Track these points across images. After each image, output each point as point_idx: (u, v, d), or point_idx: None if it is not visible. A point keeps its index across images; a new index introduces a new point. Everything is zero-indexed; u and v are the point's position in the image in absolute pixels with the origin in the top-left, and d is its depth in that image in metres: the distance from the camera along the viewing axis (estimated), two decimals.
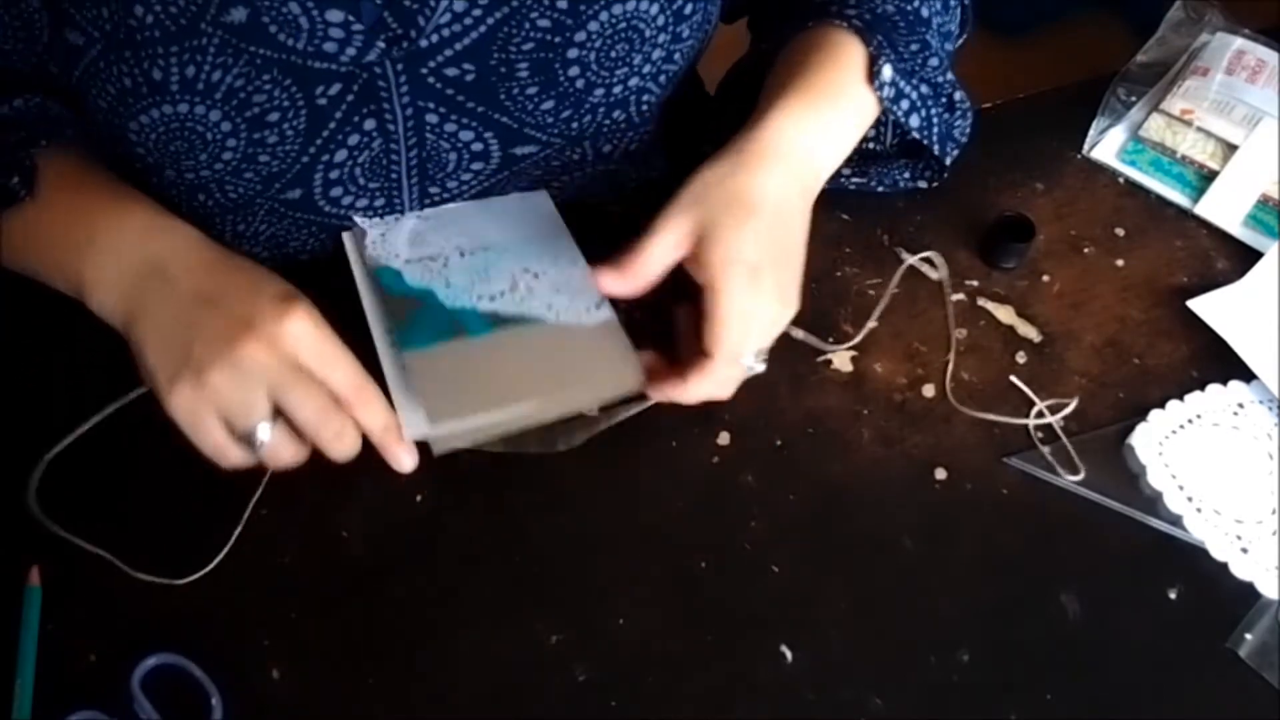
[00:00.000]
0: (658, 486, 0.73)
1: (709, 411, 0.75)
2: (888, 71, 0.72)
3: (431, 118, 0.71)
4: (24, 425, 0.73)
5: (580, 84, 0.71)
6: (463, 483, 0.72)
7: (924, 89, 0.75)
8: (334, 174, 0.73)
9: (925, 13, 0.77)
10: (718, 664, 0.67)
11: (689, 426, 0.75)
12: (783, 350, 0.78)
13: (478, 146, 0.74)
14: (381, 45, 0.66)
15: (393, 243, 0.75)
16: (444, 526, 0.71)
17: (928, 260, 0.82)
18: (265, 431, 0.62)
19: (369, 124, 0.70)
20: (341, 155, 0.72)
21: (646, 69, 0.73)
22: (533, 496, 0.72)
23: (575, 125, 0.74)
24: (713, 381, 0.68)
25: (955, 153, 0.80)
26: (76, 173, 0.69)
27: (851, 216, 0.85)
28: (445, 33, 0.66)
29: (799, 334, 0.79)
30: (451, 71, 0.69)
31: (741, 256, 0.66)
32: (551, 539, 0.71)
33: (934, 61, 0.76)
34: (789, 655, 0.68)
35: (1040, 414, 0.76)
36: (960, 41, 0.84)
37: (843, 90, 0.72)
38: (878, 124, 0.78)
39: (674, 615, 0.69)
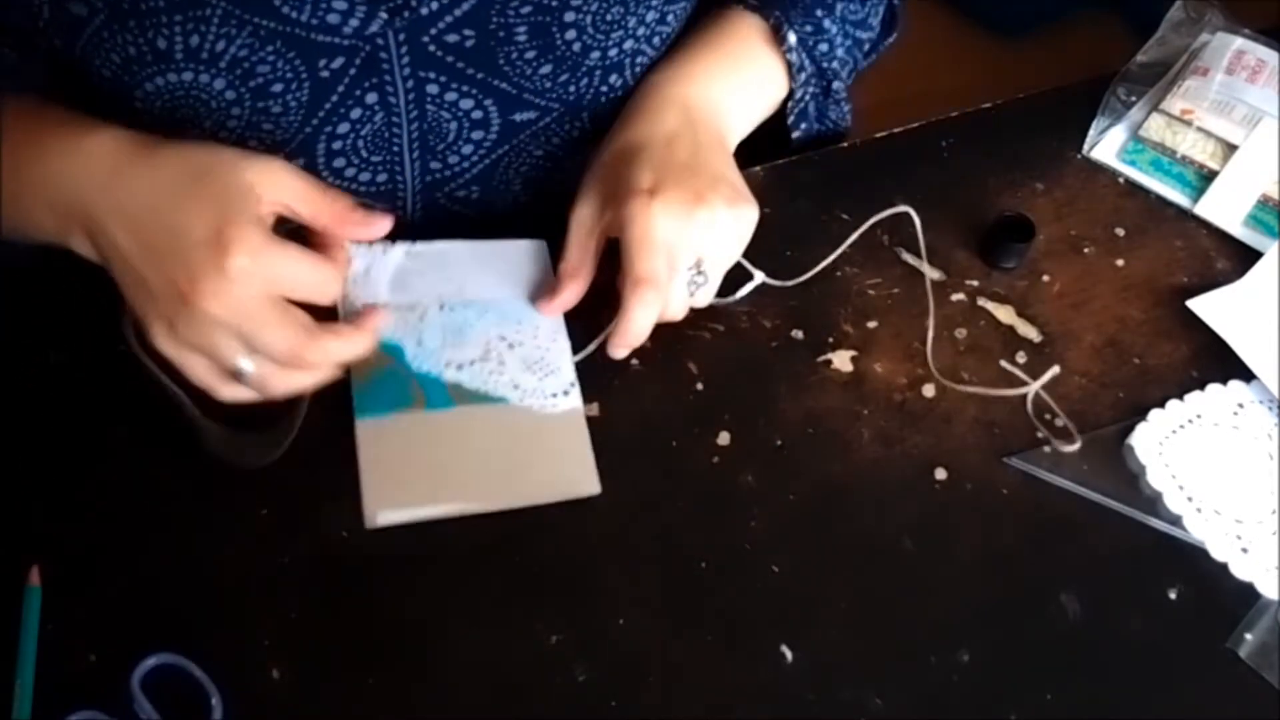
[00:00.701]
0: (657, 486, 0.73)
1: (709, 411, 0.75)
2: (793, 37, 0.78)
3: (432, 88, 0.72)
4: (23, 424, 0.73)
5: (577, 47, 0.72)
6: None
7: (811, 68, 0.80)
8: (336, 145, 0.73)
9: None
10: (718, 664, 0.67)
11: (689, 426, 0.75)
12: (783, 350, 0.78)
13: (478, 114, 0.75)
14: (384, 16, 0.67)
15: (375, 281, 0.73)
16: (443, 526, 0.71)
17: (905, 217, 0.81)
18: (248, 365, 0.61)
19: (371, 97, 0.71)
20: (344, 128, 0.72)
21: (641, 31, 0.74)
22: None
23: (573, 89, 0.75)
24: (649, 308, 0.69)
25: (810, 132, 0.83)
26: (21, 110, 0.66)
27: (851, 216, 0.85)
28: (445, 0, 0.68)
29: (800, 336, 0.79)
30: (452, 38, 0.69)
31: (637, 186, 0.68)
32: (551, 539, 0.71)
33: (823, 47, 0.80)
34: (789, 655, 0.68)
35: (1032, 394, 0.76)
36: (887, 42, 0.89)
37: (737, 50, 0.77)
38: None
39: (674, 615, 0.69)
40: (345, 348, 0.64)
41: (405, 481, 0.68)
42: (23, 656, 0.64)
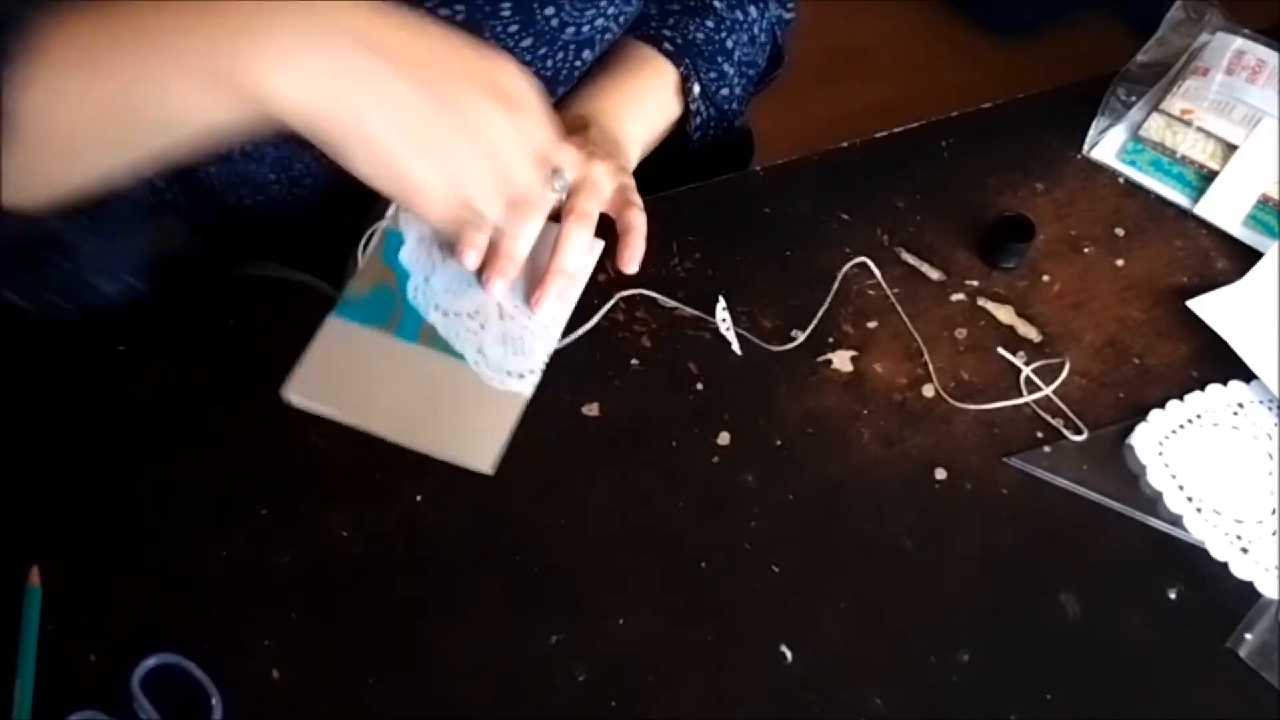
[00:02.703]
0: (658, 486, 0.73)
1: (709, 411, 0.75)
2: (697, 89, 0.87)
3: None
4: (23, 425, 0.73)
5: (555, 22, 0.78)
6: (462, 482, 0.72)
7: (712, 110, 0.89)
8: None
9: (730, 45, 0.89)
10: (718, 664, 0.67)
11: (689, 426, 0.75)
12: (783, 350, 0.78)
13: None
14: None
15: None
16: (444, 526, 0.71)
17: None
18: (493, 203, 0.62)
19: None
20: None
21: (611, 10, 0.80)
22: (532, 496, 0.72)
23: (550, 63, 0.81)
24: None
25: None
26: None
27: (851, 216, 0.85)
28: None
29: (800, 336, 0.79)
30: (444, 12, 0.73)
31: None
32: (551, 539, 0.71)
33: (725, 91, 0.89)
34: (789, 655, 0.68)
35: (1031, 381, 0.76)
36: (773, 78, 0.97)
37: (656, 100, 0.86)
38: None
39: (674, 615, 0.69)
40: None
41: (333, 382, 0.70)
42: (23, 656, 0.64)
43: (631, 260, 0.77)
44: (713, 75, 0.88)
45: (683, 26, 0.88)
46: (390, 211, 0.76)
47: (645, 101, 0.86)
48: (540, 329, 0.74)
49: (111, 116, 0.53)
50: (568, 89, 0.85)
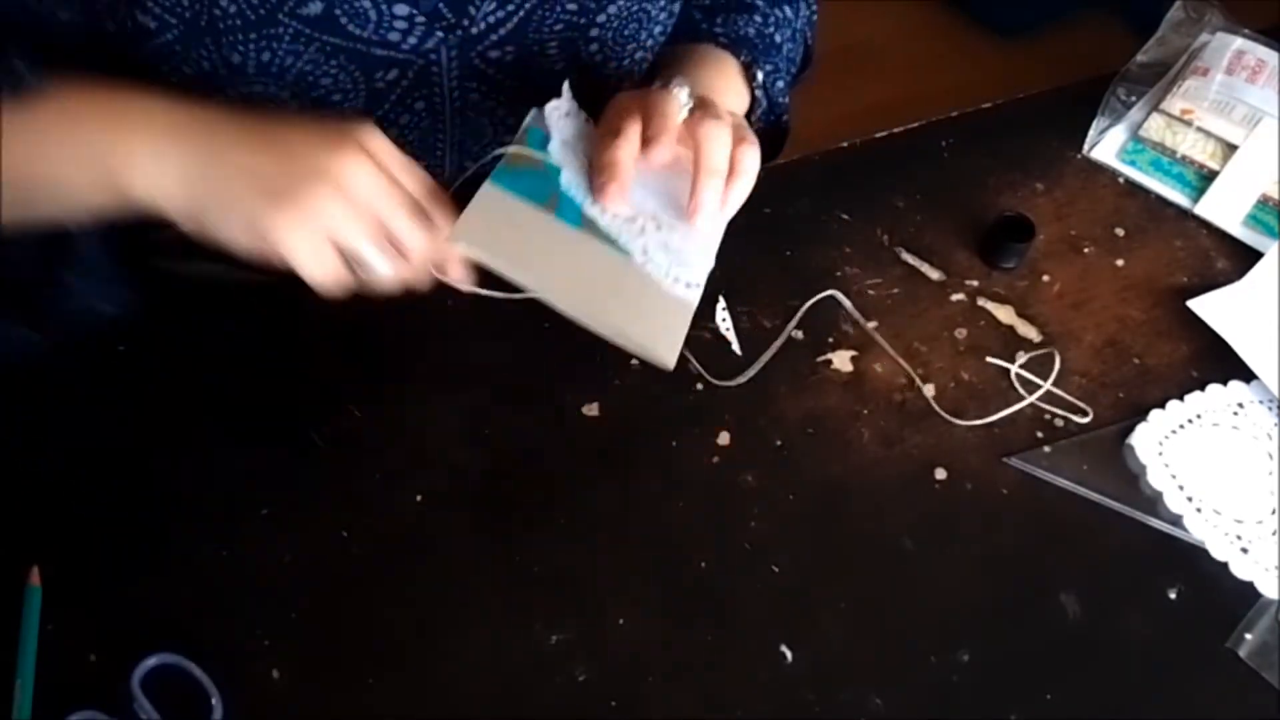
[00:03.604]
0: (658, 486, 0.73)
1: (709, 411, 0.75)
2: (760, 75, 0.83)
3: (474, 96, 0.77)
4: (23, 425, 0.73)
5: (599, 58, 0.78)
6: (463, 483, 0.72)
7: (766, 103, 0.85)
8: None
9: (779, 39, 0.87)
10: (718, 664, 0.67)
11: (689, 426, 0.75)
12: (783, 350, 0.78)
13: (510, 120, 0.79)
14: (440, 34, 0.72)
15: (568, 126, 0.72)
16: (444, 526, 0.71)
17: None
18: (374, 256, 0.62)
19: (419, 105, 0.76)
20: (393, 133, 0.75)
21: (650, 43, 0.81)
22: (532, 496, 0.72)
23: (588, 93, 0.79)
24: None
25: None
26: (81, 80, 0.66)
27: (851, 217, 0.85)
28: (491, 19, 0.73)
29: (799, 334, 0.79)
30: (495, 54, 0.75)
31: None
32: (551, 539, 0.71)
33: (779, 84, 0.86)
34: (789, 655, 0.68)
35: (1027, 380, 0.76)
36: (804, 76, 0.94)
37: (723, 75, 0.81)
38: None
39: (674, 615, 0.69)
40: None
41: (503, 237, 0.65)
42: (23, 656, 0.64)
43: (729, 200, 0.70)
44: (769, 68, 0.86)
45: (731, 24, 0.86)
46: (534, 112, 0.71)
47: (727, 87, 0.82)
48: (696, 244, 0.69)
49: (18, 186, 0.64)
50: None
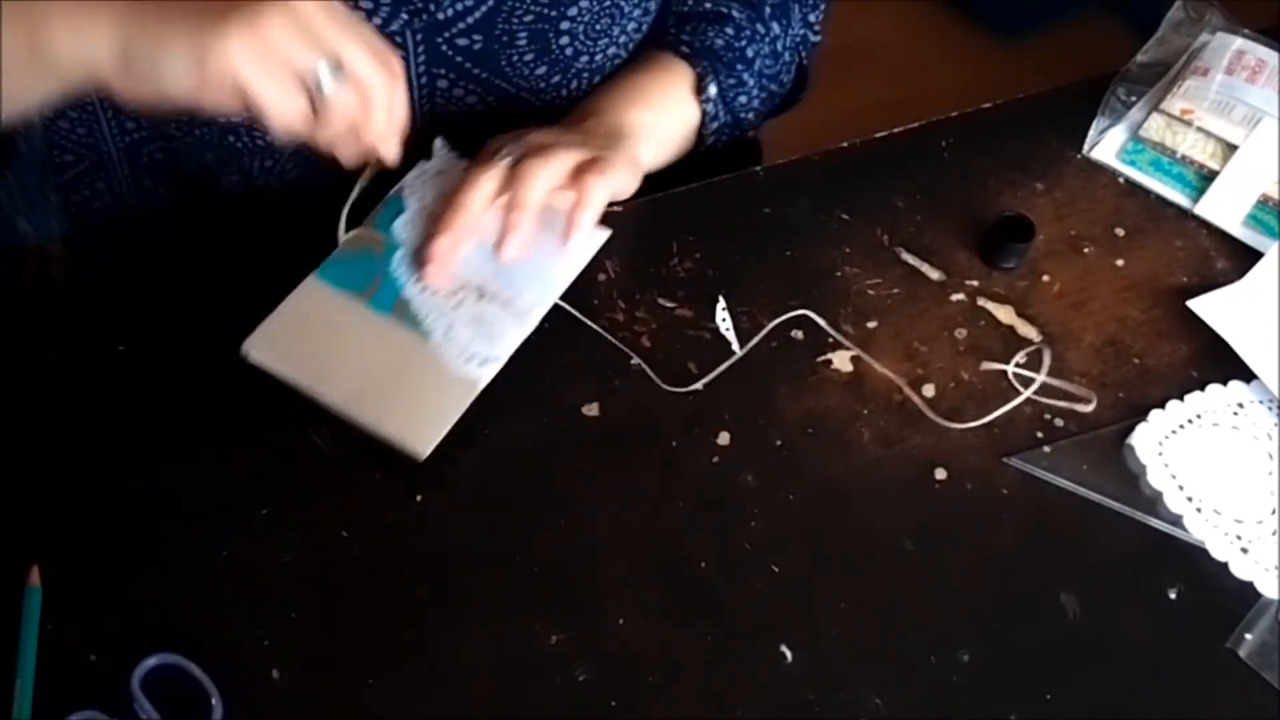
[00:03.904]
0: (657, 486, 0.73)
1: (709, 411, 0.75)
2: (713, 89, 0.84)
3: (442, 83, 0.77)
4: (23, 425, 0.73)
5: (569, 51, 0.79)
6: (462, 482, 0.72)
7: (728, 117, 0.87)
8: None
9: (750, 53, 0.87)
10: (718, 664, 0.67)
11: (689, 426, 0.75)
12: (783, 350, 0.78)
13: (480, 109, 0.80)
14: (405, 17, 0.72)
15: (435, 184, 0.77)
16: (444, 526, 0.71)
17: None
18: (327, 75, 0.59)
19: None
20: None
21: (623, 39, 0.81)
22: (532, 496, 0.72)
23: (564, 92, 0.82)
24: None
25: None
26: None
27: (851, 217, 0.85)
28: (459, 6, 0.73)
29: (799, 336, 0.79)
30: (463, 41, 0.75)
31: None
32: (551, 539, 0.71)
33: (742, 99, 0.87)
34: (789, 655, 0.68)
35: (1019, 364, 0.76)
36: (798, 99, 0.95)
37: (666, 94, 0.83)
38: None
39: (674, 615, 0.69)
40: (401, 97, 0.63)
41: (294, 344, 0.71)
42: (23, 656, 0.64)
43: (574, 228, 0.73)
44: (731, 81, 0.86)
45: (700, 33, 0.87)
46: (400, 183, 0.76)
47: (653, 94, 0.84)
48: (514, 316, 0.73)
49: None
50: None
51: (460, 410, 0.71)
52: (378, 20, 0.72)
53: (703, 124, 0.87)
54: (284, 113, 0.60)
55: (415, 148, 0.80)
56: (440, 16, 0.73)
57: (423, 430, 0.69)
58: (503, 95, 0.80)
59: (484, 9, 0.74)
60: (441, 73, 0.77)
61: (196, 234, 0.85)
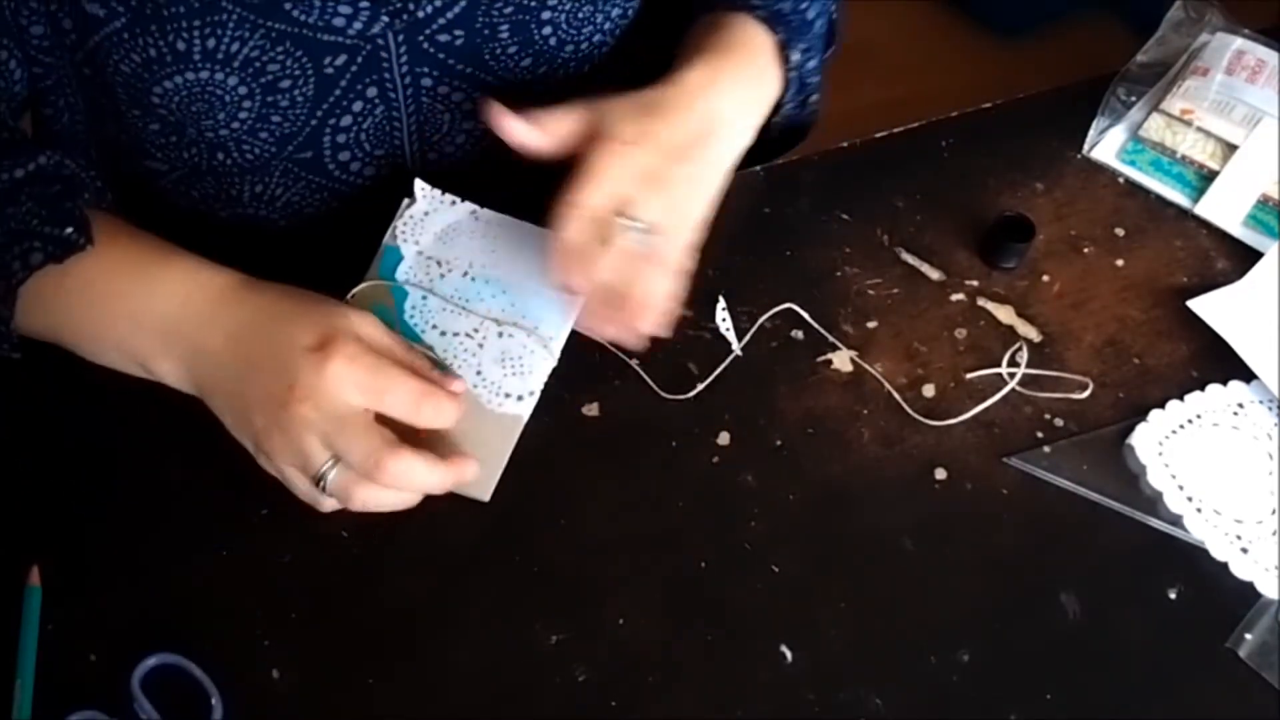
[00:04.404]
0: (658, 486, 0.73)
1: (709, 411, 0.75)
2: (796, 56, 0.79)
3: (426, 81, 0.77)
4: (23, 425, 0.73)
5: (553, 42, 0.78)
6: None
7: (797, 93, 0.82)
8: (341, 138, 0.78)
9: (810, 15, 0.82)
10: (718, 664, 0.67)
11: (689, 426, 0.75)
12: (783, 350, 0.78)
13: (468, 107, 0.80)
14: (385, 19, 0.72)
15: (427, 227, 0.75)
16: (444, 526, 0.71)
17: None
18: (331, 472, 0.62)
19: (371, 91, 0.76)
20: (347, 120, 0.77)
21: (607, 25, 0.80)
22: (532, 496, 0.72)
23: (552, 81, 0.81)
24: (573, 227, 0.67)
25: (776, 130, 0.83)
26: (114, 232, 0.69)
27: (852, 216, 0.85)
28: (438, 2, 0.72)
29: (800, 336, 0.79)
30: (444, 38, 0.74)
31: (619, 132, 0.68)
32: (551, 539, 0.71)
33: (811, 64, 0.82)
34: (789, 655, 0.68)
35: (1013, 360, 0.76)
36: (828, 55, 0.89)
37: (753, 62, 0.76)
38: None
39: (674, 615, 0.69)
40: (428, 473, 0.63)
41: None
42: (23, 656, 0.64)
43: (630, 327, 0.70)
44: (803, 47, 0.80)
45: None
46: (392, 229, 0.75)
47: (742, 70, 0.75)
48: (540, 345, 0.72)
49: (74, 339, 0.70)
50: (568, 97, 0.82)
51: (510, 448, 0.70)
52: (358, 24, 0.71)
53: (780, 97, 0.79)
54: (311, 500, 0.65)
55: (407, 147, 0.80)
56: (420, 14, 0.73)
57: (481, 474, 0.68)
58: (491, 90, 0.79)
59: (463, 4, 0.74)
60: (426, 71, 0.76)
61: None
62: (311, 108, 0.75)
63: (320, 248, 0.78)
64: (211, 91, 0.71)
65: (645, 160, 0.68)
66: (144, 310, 0.66)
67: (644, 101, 0.70)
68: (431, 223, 0.75)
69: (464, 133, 0.82)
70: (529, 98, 0.79)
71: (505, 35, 0.76)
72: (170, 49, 0.69)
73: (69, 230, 0.66)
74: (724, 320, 0.78)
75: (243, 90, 0.72)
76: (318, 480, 0.63)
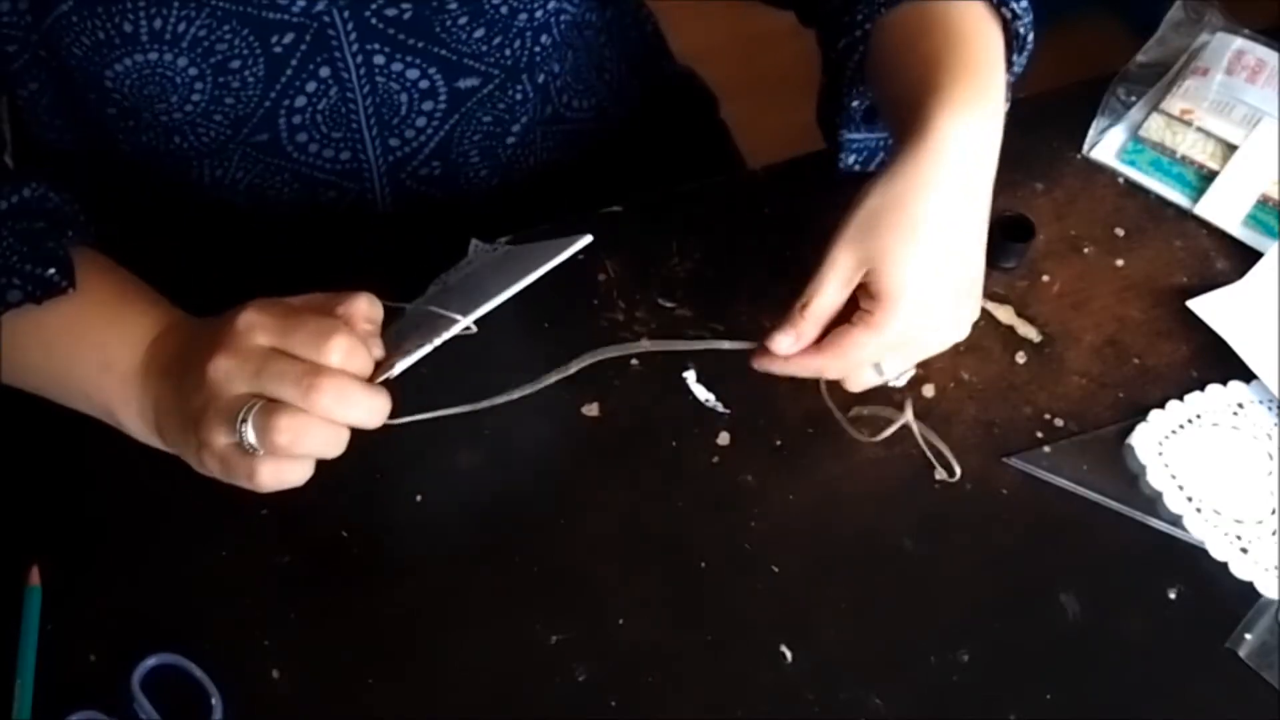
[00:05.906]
0: (658, 486, 0.73)
1: (709, 411, 0.75)
2: (1022, 29, 0.71)
3: (379, 59, 0.76)
4: (23, 425, 0.73)
5: (504, 10, 0.76)
6: (462, 483, 0.72)
7: (1018, 46, 0.74)
8: (296, 119, 0.77)
9: None
10: (718, 664, 0.67)
11: (689, 426, 0.75)
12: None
13: (424, 84, 0.78)
14: None
15: (460, 273, 0.72)
16: (444, 526, 0.71)
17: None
18: (254, 412, 0.58)
19: (324, 71, 0.75)
20: (301, 101, 0.76)
21: None
22: (532, 496, 0.72)
23: (508, 52, 0.79)
24: (838, 361, 0.67)
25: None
26: (98, 272, 0.67)
27: None
28: None
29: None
30: (391, 12, 0.73)
31: (897, 288, 0.65)
32: (551, 539, 0.71)
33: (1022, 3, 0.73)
34: (789, 655, 0.68)
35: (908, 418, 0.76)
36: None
37: (994, 73, 0.69)
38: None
39: (674, 615, 0.69)
40: (364, 396, 0.58)
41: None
42: (23, 656, 0.64)
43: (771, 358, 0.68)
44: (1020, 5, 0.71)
45: None
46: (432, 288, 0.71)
47: (996, 86, 0.68)
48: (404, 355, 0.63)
49: (43, 382, 0.68)
50: (530, 74, 0.82)
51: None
52: (301, 2, 0.71)
53: (1009, 60, 0.71)
54: (253, 481, 0.60)
55: (365, 131, 0.79)
56: None
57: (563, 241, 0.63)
58: (446, 64, 0.78)
59: None
60: (377, 48, 0.75)
61: (174, 245, 0.86)
62: (264, 89, 0.74)
63: (286, 230, 0.78)
64: (162, 73, 0.71)
65: (925, 296, 0.66)
66: (116, 359, 0.65)
67: (902, 180, 0.66)
68: (470, 268, 0.73)
69: (423, 114, 0.80)
70: (489, 74, 0.79)
71: (454, 6, 0.74)
72: (118, 31, 0.69)
73: (51, 271, 0.64)
74: (700, 389, 0.76)
75: (193, 71, 0.72)
76: (243, 444, 0.58)
